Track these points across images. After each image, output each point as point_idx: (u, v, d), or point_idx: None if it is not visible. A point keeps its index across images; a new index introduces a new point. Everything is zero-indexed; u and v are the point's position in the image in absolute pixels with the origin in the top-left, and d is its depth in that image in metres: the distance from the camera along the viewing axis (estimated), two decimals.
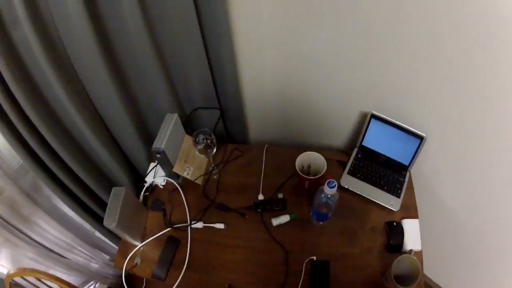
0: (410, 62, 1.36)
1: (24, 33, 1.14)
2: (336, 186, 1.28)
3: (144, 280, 2.13)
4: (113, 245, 2.17)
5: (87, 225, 1.94)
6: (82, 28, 1.20)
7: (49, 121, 1.39)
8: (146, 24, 1.28)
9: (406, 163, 1.63)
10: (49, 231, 1.74)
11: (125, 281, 1.47)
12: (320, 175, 1.49)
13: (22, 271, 1.46)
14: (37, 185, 1.65)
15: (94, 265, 2.09)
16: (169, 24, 1.35)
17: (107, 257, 2.19)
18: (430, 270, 2.17)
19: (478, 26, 1.11)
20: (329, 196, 1.33)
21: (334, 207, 1.39)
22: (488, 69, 1.20)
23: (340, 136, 1.85)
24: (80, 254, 1.96)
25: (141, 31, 1.29)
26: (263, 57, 1.55)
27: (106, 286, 2.31)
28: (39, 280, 1.55)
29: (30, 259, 1.61)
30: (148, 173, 1.68)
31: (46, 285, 1.59)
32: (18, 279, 1.50)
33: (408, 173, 1.65)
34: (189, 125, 1.76)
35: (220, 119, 1.78)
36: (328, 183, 1.28)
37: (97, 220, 1.85)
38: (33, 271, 1.47)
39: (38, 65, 1.23)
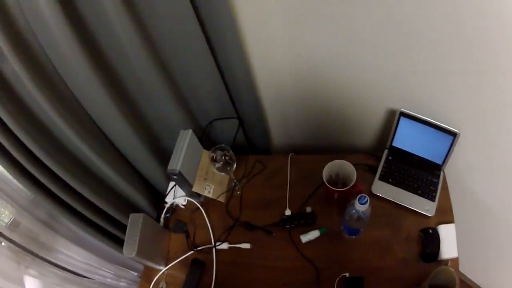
0: (439, 54, 1.23)
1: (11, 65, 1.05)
2: (368, 201, 1.18)
3: None
4: None
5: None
6: (71, 49, 1.09)
7: (55, 153, 1.30)
8: (140, 34, 1.16)
9: (440, 162, 1.52)
10: (73, 256, 1.69)
11: None
12: (350, 186, 1.39)
13: None
14: (54, 213, 1.58)
15: (123, 284, 2.05)
16: (167, 31, 1.23)
17: (135, 273, 2.14)
18: (466, 269, 2.07)
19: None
20: (360, 211, 1.23)
21: (366, 222, 1.30)
22: None
23: (367, 137, 1.74)
24: (107, 275, 1.92)
25: (134, 41, 1.16)
26: (277, 56, 1.44)
27: None
28: None
29: (57, 285, 1.57)
30: (168, 194, 1.60)
31: None
32: None
33: (442, 172, 1.54)
34: (207, 139, 1.67)
35: (240, 129, 1.68)
36: (359, 199, 1.18)
37: (120, 243, 1.77)
38: None
39: (32, 97, 1.14)
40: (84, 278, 1.77)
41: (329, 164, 1.43)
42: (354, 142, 1.79)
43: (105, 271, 1.91)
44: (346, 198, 1.30)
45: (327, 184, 1.39)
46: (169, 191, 1.60)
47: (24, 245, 1.45)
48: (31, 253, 1.49)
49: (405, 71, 1.36)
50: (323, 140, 1.83)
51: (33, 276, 1.51)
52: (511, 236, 1.67)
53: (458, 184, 1.57)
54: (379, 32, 1.25)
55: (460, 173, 1.58)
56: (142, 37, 1.17)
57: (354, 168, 1.40)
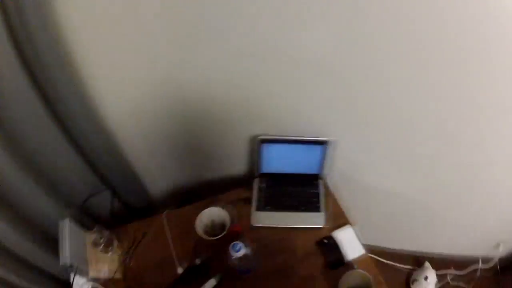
0: (290, 69, 1.26)
1: None
2: (242, 247, 1.21)
3: None
4: None
5: None
6: None
7: None
8: None
9: (317, 172, 1.55)
10: None
11: None
12: (224, 233, 1.41)
13: None
14: None
15: None
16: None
17: None
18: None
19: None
20: (241, 256, 1.25)
21: (255, 258, 1.32)
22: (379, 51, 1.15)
23: (239, 164, 1.75)
24: None
25: None
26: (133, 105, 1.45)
27: None
28: None
29: None
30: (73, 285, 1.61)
31: None
32: None
33: (321, 181, 1.57)
34: (88, 218, 1.65)
35: (115, 199, 1.68)
36: (233, 248, 1.21)
37: None
38: None
39: None
40: None
41: (199, 216, 1.45)
42: (227, 172, 1.80)
43: None
44: (231, 240, 1.30)
45: (203, 237, 1.41)
46: (73, 283, 1.61)
47: None
48: None
49: (261, 98, 1.39)
50: (198, 178, 1.85)
51: None
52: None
53: (346, 181, 1.61)
54: (234, 60, 1.26)
55: (346, 171, 1.63)
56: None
57: (226, 212, 1.43)
